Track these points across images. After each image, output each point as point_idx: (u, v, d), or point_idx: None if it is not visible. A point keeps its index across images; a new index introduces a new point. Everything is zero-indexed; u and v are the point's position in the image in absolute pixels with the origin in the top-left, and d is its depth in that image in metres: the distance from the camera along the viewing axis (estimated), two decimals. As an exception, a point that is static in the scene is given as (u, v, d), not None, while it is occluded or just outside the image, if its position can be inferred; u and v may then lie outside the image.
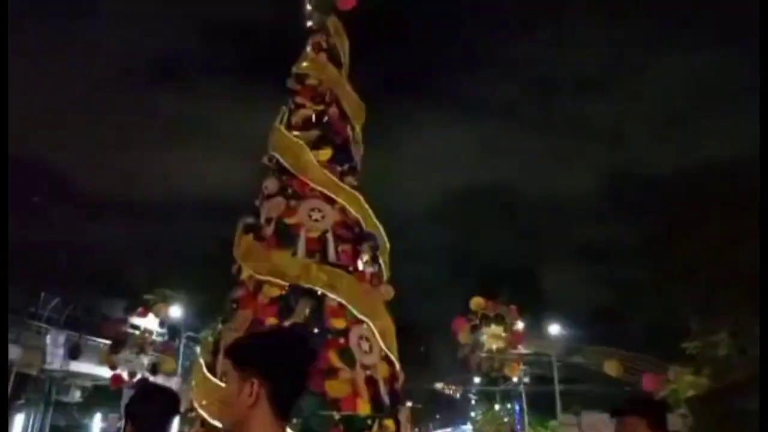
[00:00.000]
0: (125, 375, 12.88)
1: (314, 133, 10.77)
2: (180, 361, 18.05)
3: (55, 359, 18.99)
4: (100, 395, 21.03)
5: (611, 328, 26.12)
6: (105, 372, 15.41)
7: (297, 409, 7.98)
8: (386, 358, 9.30)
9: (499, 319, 14.23)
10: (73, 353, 16.59)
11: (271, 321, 8.90)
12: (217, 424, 7.75)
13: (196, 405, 8.06)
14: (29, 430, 20.50)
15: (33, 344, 18.69)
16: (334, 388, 8.29)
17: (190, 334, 22.48)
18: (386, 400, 8.82)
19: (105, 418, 22.33)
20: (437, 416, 39.80)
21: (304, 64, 11.77)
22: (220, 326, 9.47)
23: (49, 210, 25.40)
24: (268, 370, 1.55)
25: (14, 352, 17.88)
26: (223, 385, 8.40)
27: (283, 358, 1.58)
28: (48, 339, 19.20)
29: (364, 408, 8.33)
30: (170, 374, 16.06)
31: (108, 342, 13.69)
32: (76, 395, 22.45)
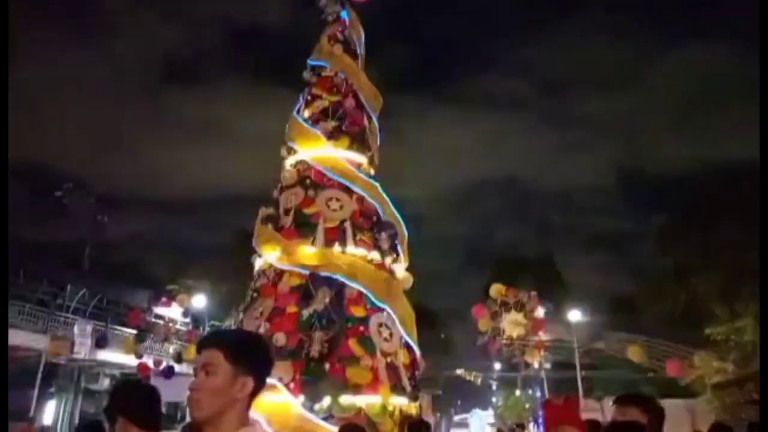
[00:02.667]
0: (151, 363, 13.11)
1: (331, 123, 10.80)
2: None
3: (83, 348, 19.40)
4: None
5: (633, 316, 25.93)
6: (132, 361, 15.70)
7: (319, 395, 8.11)
8: (406, 345, 9.38)
9: (519, 306, 14.16)
10: (100, 343, 16.96)
11: (291, 309, 9.02)
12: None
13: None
14: (60, 416, 21.06)
15: (61, 334, 19.11)
16: (355, 374, 8.39)
17: (214, 322, 22.82)
18: (407, 386, 8.91)
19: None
20: (458, 402, 39.94)
21: (320, 55, 11.78)
22: (241, 315, 9.61)
23: (73, 206, 25.84)
24: (259, 371, 1.74)
25: (42, 341, 18.34)
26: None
27: (268, 362, 1.83)
28: (75, 329, 19.62)
29: (385, 394, 8.41)
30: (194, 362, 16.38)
31: (133, 332, 13.95)
32: (105, 383, 22.97)
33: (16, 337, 17.22)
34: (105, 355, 19.79)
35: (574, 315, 19.95)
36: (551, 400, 3.45)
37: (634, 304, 27.11)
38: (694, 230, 22.21)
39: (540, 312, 14.93)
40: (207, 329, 19.63)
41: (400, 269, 10.11)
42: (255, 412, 6.07)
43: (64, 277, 22.38)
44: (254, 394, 1.72)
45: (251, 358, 1.74)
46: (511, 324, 13.85)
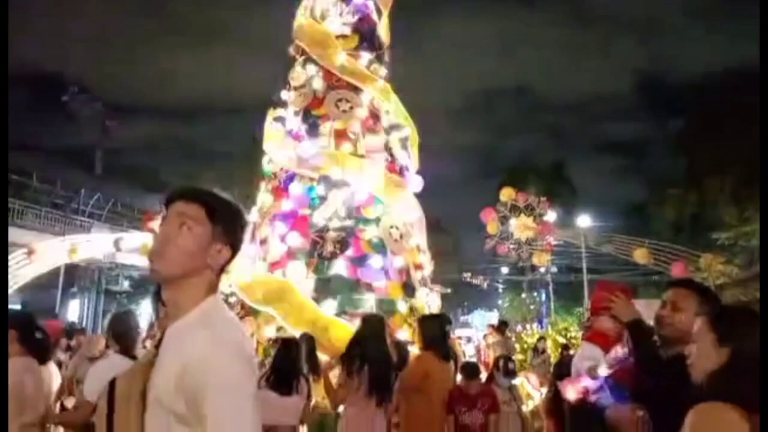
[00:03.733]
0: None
1: (340, 21, 10.37)
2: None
3: (101, 254, 19.94)
4: (148, 285, 22.28)
5: (642, 220, 26.07)
6: (147, 263, 16.13)
7: (332, 291, 8.35)
8: (416, 247, 9.52)
9: (529, 210, 14.24)
10: (117, 245, 17.32)
11: (303, 212, 9.11)
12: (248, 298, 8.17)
13: (235, 289, 8.48)
14: (84, 314, 22.07)
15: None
16: (366, 273, 8.59)
17: (226, 227, 23.21)
18: (416, 285, 9.15)
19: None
20: (465, 304, 41.35)
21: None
22: (256, 217, 9.68)
23: (79, 111, 25.61)
24: (237, 241, 1.53)
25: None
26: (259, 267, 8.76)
27: (244, 235, 1.59)
28: (92, 232, 20.07)
29: (395, 292, 8.65)
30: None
31: (148, 234, 14.26)
32: (125, 285, 23.85)
33: (35, 239, 17.65)
34: (122, 257, 20.32)
35: (584, 220, 20.11)
36: (609, 283, 3.35)
37: (644, 209, 27.23)
38: (709, 135, 21.85)
39: (550, 216, 15.02)
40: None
41: (411, 172, 10.06)
42: (272, 310, 6.12)
43: (78, 182, 22.62)
44: (224, 266, 1.51)
45: (234, 224, 1.52)
46: (520, 227, 13.99)
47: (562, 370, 4.79)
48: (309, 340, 6.19)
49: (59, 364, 7.00)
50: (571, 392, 3.05)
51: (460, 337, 13.40)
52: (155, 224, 14.02)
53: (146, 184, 23.48)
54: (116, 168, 26.69)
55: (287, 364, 4.51)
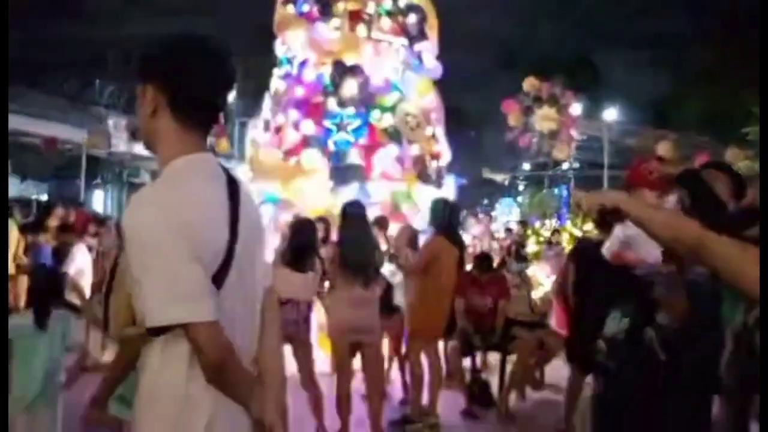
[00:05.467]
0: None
1: None
2: (236, 145, 18.83)
3: (120, 143, 20.05)
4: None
5: (668, 113, 25.15)
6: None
7: (346, 179, 8.29)
8: (433, 136, 9.30)
9: (553, 101, 13.74)
10: (135, 134, 17.37)
11: (317, 99, 8.86)
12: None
13: (252, 177, 8.51)
14: (108, 204, 22.66)
15: (97, 128, 19.60)
16: (381, 160, 8.48)
17: (243, 119, 23.05)
18: (433, 174, 9.03)
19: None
20: (485, 201, 41.43)
21: None
22: (269, 106, 9.48)
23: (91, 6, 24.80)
24: (166, 74, 1.38)
25: (80, 134, 18.90)
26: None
27: (180, 63, 1.39)
28: (110, 123, 20.07)
29: (410, 179, 8.57)
30: (226, 155, 16.98)
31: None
32: (146, 177, 24.19)
33: (55, 129, 17.75)
34: (140, 149, 20.44)
35: (610, 114, 19.45)
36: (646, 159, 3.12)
37: (671, 103, 26.18)
38: (742, 32, 20.46)
39: (574, 108, 14.52)
40: (236, 125, 19.87)
41: (429, 57, 9.61)
42: (289, 192, 6.10)
43: (91, 74, 22.35)
44: (175, 105, 1.37)
45: (149, 65, 1.39)
46: (543, 119, 13.58)
47: (581, 245, 4.77)
48: (324, 223, 6.25)
49: (89, 248, 7.42)
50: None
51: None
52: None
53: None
54: (129, 62, 26.20)
55: (302, 242, 4.55)
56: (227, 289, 1.33)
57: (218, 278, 1.30)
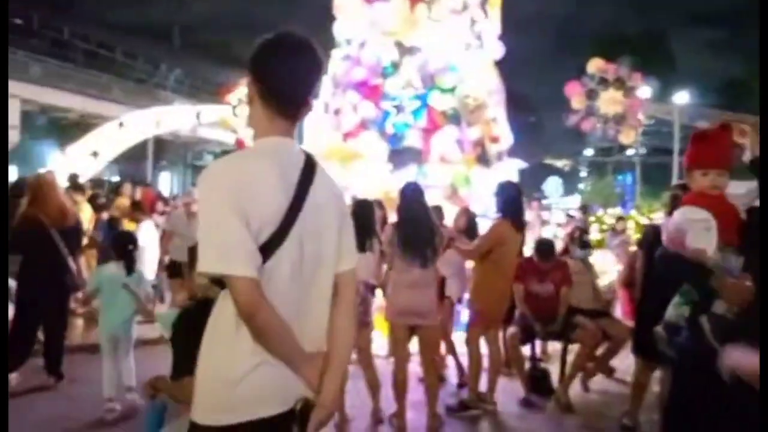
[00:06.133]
0: (247, 139, 13.77)
1: None
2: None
3: (185, 126, 20.66)
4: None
5: (741, 97, 23.71)
6: (229, 138, 16.63)
7: (404, 162, 8.22)
8: (493, 119, 9.08)
9: (619, 83, 13.13)
10: (198, 117, 17.85)
11: (376, 81, 8.80)
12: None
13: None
14: (173, 186, 23.46)
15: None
16: (440, 143, 8.36)
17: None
18: (492, 158, 8.83)
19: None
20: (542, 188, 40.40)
21: None
22: (329, 87, 9.45)
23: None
24: (261, 75, 1.55)
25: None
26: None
27: (264, 60, 1.56)
28: (176, 106, 20.69)
29: (469, 163, 8.41)
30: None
31: (227, 105, 14.52)
32: (209, 159, 24.91)
33: (123, 112, 18.44)
34: (204, 132, 21.02)
35: (681, 96, 18.47)
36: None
37: (744, 85, 24.63)
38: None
39: (642, 91, 13.86)
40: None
41: (490, 38, 9.35)
42: (347, 175, 6.09)
43: (158, 57, 23.02)
44: (268, 102, 1.55)
45: (251, 65, 1.56)
46: (608, 102, 13.00)
47: (650, 232, 4.53)
48: (381, 206, 6.21)
49: (156, 226, 7.81)
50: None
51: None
52: (232, 97, 14.22)
53: (222, 58, 23.59)
54: (193, 43, 26.87)
55: (361, 222, 4.53)
56: (279, 260, 1.44)
57: (268, 248, 1.41)
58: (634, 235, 9.95)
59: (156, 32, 25.97)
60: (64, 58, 21.26)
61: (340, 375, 1.54)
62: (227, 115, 14.87)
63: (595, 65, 13.15)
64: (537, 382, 5.33)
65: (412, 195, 4.45)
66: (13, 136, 17.28)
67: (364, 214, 4.61)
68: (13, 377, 4.83)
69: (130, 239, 4.75)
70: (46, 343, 5.17)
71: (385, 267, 4.69)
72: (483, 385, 4.87)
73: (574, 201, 31.84)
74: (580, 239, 5.96)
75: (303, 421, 1.44)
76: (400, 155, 8.34)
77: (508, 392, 5.17)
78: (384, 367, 4.65)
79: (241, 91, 13.71)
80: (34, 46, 20.61)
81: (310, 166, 1.56)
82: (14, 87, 16.94)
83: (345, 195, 5.29)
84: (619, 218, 10.96)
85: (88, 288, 4.75)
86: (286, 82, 1.53)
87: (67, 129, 19.71)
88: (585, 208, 11.24)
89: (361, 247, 4.42)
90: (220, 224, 1.36)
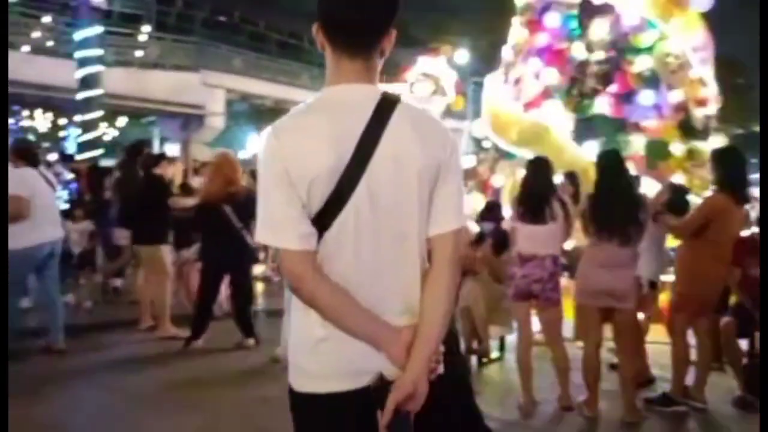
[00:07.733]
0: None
1: None
2: (470, 106, 18.69)
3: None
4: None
5: None
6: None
7: (593, 132, 7.63)
8: (699, 79, 7.98)
9: None
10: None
11: (560, 45, 8.23)
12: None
13: (489, 132, 8.34)
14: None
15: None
16: (634, 111, 7.59)
17: (476, 79, 22.88)
18: (697, 125, 7.78)
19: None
20: (752, 159, 35.32)
21: None
22: (509, 56, 9.06)
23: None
24: (319, 8, 1.37)
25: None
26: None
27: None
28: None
29: (670, 134, 7.51)
30: (458, 114, 17.06)
31: (402, 83, 14.69)
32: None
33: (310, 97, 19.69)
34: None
35: None
36: None
37: None
38: None
39: None
40: (470, 84, 19.74)
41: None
42: (527, 152, 5.76)
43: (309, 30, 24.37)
44: (332, 39, 1.36)
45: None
46: None
47: None
48: (572, 177, 5.81)
49: None
50: None
51: None
52: (409, 74, 14.37)
53: (399, 39, 24.02)
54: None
55: (535, 186, 4.18)
56: (343, 226, 1.31)
57: (327, 213, 1.30)
58: None
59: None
60: (260, 50, 23.38)
61: (427, 352, 1.32)
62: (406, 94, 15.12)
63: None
64: (755, 380, 4.58)
65: (612, 163, 4.01)
66: (219, 122, 19.38)
67: (538, 176, 4.22)
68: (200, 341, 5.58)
69: None
70: (236, 310, 5.77)
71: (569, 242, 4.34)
72: (689, 379, 4.32)
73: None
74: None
75: (380, 402, 1.29)
76: (587, 125, 7.73)
77: (721, 390, 4.52)
78: (569, 351, 4.30)
79: (417, 68, 13.82)
80: (236, 40, 22.90)
81: (383, 110, 1.33)
82: (220, 78, 19.04)
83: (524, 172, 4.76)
84: None
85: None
86: (344, 7, 1.33)
87: (263, 114, 21.58)
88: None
89: (541, 217, 4.08)
90: (265, 196, 1.33)
